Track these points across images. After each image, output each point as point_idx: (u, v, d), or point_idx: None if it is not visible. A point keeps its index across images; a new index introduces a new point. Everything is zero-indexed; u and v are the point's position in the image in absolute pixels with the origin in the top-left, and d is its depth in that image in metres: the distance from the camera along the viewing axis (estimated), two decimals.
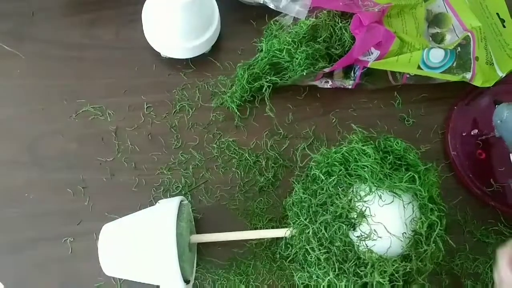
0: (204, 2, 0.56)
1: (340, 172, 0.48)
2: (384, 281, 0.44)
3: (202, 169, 0.57)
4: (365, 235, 0.45)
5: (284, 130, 0.58)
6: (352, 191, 0.47)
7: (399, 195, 0.46)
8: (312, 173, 0.51)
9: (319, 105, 0.60)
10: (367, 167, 0.47)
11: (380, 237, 0.45)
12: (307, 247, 0.47)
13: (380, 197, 0.46)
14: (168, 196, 0.56)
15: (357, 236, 0.46)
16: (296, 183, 0.52)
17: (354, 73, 0.57)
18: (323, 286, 0.46)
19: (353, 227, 0.47)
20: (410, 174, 0.46)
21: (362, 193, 0.47)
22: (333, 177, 0.48)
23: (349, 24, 0.55)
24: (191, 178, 0.57)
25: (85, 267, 0.54)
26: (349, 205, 0.47)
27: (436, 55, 0.54)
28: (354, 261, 0.46)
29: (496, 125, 0.52)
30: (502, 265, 0.40)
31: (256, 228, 0.55)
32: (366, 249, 0.45)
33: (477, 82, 0.56)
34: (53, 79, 0.59)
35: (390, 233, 0.45)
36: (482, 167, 0.57)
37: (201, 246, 0.55)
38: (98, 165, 0.57)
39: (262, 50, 0.58)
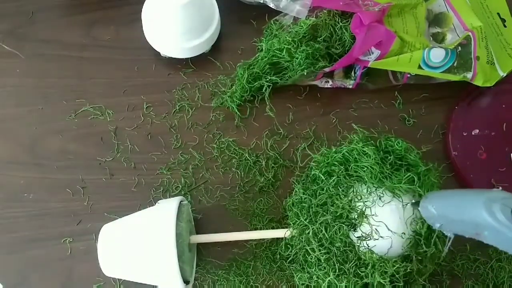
0: (204, 2, 0.55)
1: (340, 172, 0.48)
2: (385, 281, 0.44)
3: (202, 169, 0.57)
4: (366, 236, 0.45)
5: (284, 130, 0.58)
6: (353, 191, 0.47)
7: (399, 195, 0.46)
8: (312, 173, 0.51)
9: (319, 105, 0.59)
10: (367, 167, 0.47)
11: (382, 237, 0.45)
12: (307, 247, 0.47)
13: (380, 198, 0.45)
14: (168, 196, 0.56)
15: (358, 237, 0.46)
16: (296, 183, 0.51)
17: (355, 72, 0.57)
18: (324, 287, 0.46)
19: (354, 227, 0.46)
20: (410, 175, 0.46)
21: (363, 194, 0.46)
22: (333, 177, 0.48)
23: (349, 24, 0.55)
24: (190, 178, 0.57)
25: (85, 267, 0.53)
26: (349, 206, 0.46)
27: (437, 55, 0.54)
28: (354, 262, 0.45)
29: (433, 221, 0.43)
30: None
31: (256, 229, 0.55)
32: (367, 249, 0.45)
33: (478, 82, 0.56)
34: (52, 79, 0.59)
35: (391, 231, 0.44)
36: (483, 168, 0.56)
37: (201, 247, 0.54)
38: (98, 165, 0.57)
39: (262, 50, 0.58)
